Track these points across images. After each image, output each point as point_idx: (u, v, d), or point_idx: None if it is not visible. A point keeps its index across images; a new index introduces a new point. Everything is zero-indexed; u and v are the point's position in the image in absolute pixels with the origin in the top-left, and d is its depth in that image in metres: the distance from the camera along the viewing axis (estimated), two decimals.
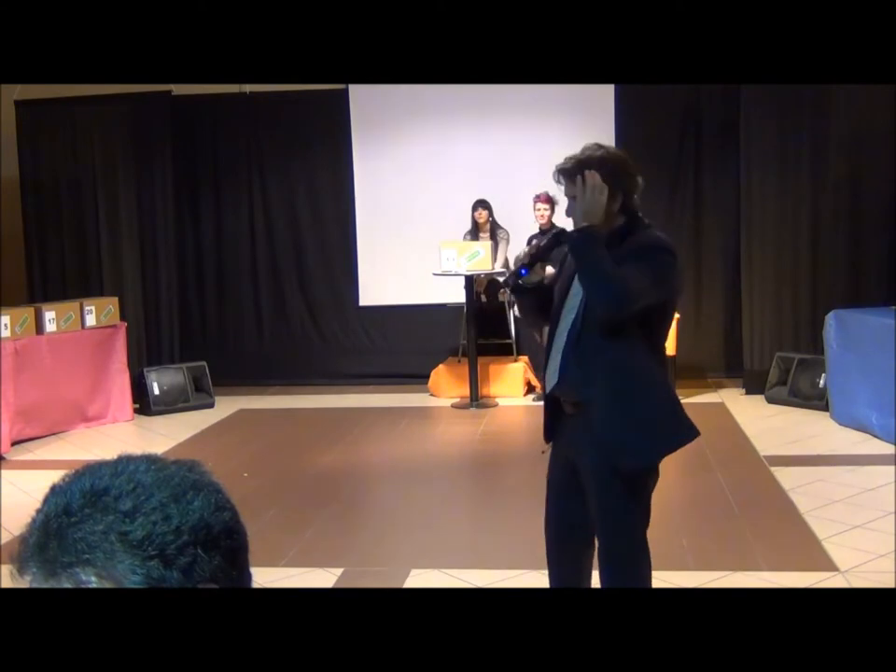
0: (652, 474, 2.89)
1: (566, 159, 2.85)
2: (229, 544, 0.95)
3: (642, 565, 2.92)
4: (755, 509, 4.88)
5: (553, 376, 2.88)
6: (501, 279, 8.06)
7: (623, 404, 2.80)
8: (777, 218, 7.57)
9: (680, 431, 2.87)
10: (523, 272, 2.87)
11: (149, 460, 0.99)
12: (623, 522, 2.87)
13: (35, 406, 6.88)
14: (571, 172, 2.79)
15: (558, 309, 2.91)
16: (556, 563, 3.08)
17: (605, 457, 2.80)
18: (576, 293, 2.85)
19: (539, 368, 7.80)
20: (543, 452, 3.09)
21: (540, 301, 2.97)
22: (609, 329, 2.76)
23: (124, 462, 0.97)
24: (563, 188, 2.87)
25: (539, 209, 7.35)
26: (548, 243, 2.91)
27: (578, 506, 2.93)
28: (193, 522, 0.92)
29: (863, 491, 5.08)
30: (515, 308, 7.73)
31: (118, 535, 0.89)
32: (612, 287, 2.68)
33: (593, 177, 2.73)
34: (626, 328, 2.76)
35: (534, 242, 2.94)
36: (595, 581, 3.08)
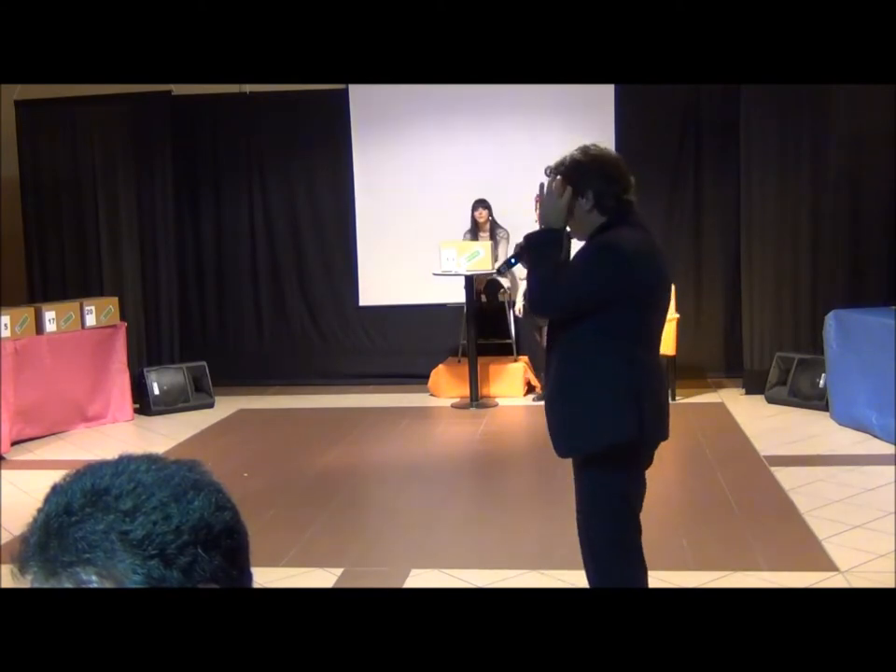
0: (602, 470, 2.88)
1: (550, 165, 3.02)
2: (229, 544, 0.95)
3: (613, 568, 2.96)
4: (755, 509, 4.88)
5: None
6: (502, 279, 8.08)
7: (563, 396, 2.92)
8: (777, 218, 7.57)
9: (613, 429, 2.85)
10: (512, 261, 3.08)
11: (150, 460, 0.99)
12: (588, 515, 3.00)
13: (35, 406, 6.88)
14: (547, 174, 2.97)
15: None
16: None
17: (563, 445, 2.95)
18: None
19: (539, 368, 7.81)
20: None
21: None
22: (566, 323, 2.90)
23: (125, 462, 0.97)
24: None
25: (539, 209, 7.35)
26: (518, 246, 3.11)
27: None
28: (193, 521, 0.92)
29: (863, 491, 5.08)
30: (515, 308, 7.74)
31: (118, 534, 0.89)
32: (534, 289, 2.89)
33: (552, 183, 2.89)
34: (580, 322, 2.86)
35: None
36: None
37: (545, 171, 3.01)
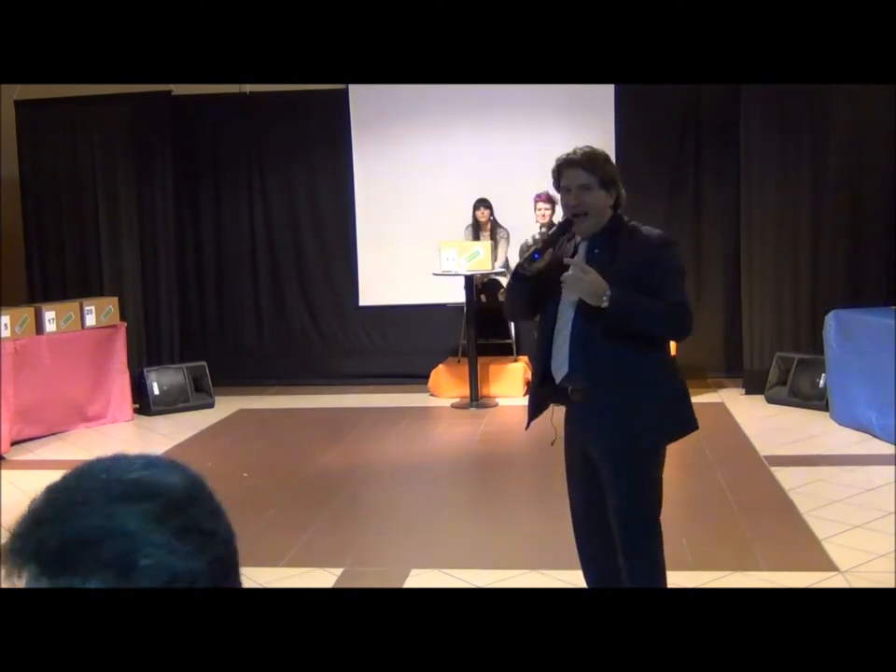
0: (659, 458, 3.00)
1: (573, 152, 2.98)
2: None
3: (654, 551, 3.02)
4: (755, 509, 4.88)
5: (562, 367, 2.98)
6: (502, 279, 8.08)
7: (632, 390, 2.91)
8: (777, 218, 7.57)
9: (683, 420, 3.01)
10: (536, 256, 2.95)
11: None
12: (634, 505, 2.97)
13: (35, 406, 6.88)
14: (580, 162, 2.93)
15: (555, 301, 3.00)
16: (588, 547, 3.16)
17: (615, 442, 2.92)
18: None
19: None
20: (552, 443, 3.17)
21: (536, 291, 3.03)
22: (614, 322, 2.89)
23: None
24: (563, 181, 2.98)
25: (539, 208, 7.36)
26: (557, 230, 3.02)
27: (599, 489, 3.03)
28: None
29: (863, 491, 5.08)
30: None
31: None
32: (670, 323, 2.91)
33: (583, 269, 2.85)
34: None
35: (542, 230, 3.03)
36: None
37: (559, 169, 2.98)
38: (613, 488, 2.97)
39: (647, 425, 2.93)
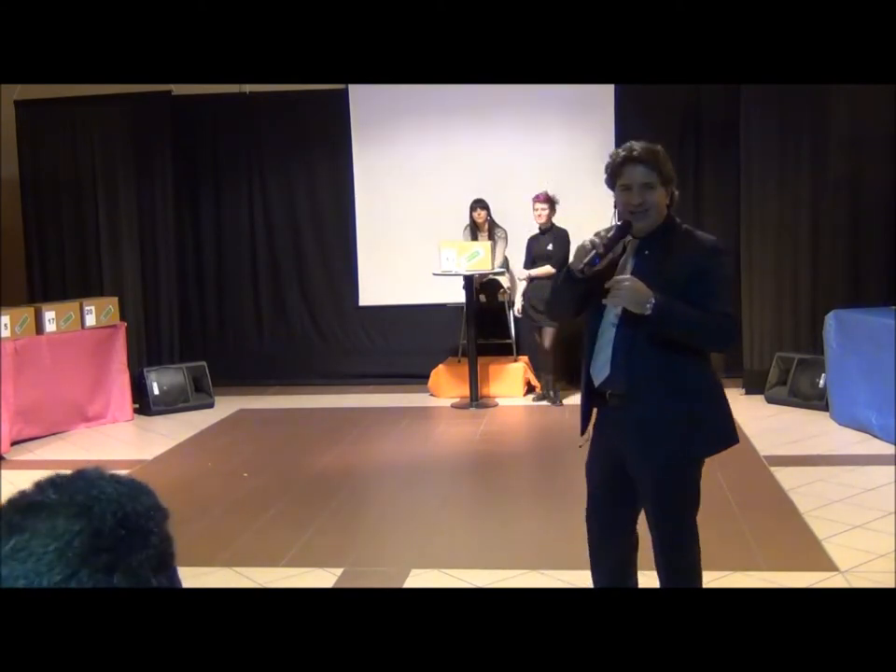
0: (699, 467, 2.96)
1: (630, 147, 2.85)
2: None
3: (694, 551, 2.99)
4: (755, 509, 4.88)
5: (602, 370, 2.90)
6: (501, 279, 8.08)
7: (678, 398, 2.85)
8: (777, 218, 7.57)
9: (728, 430, 2.97)
10: (596, 261, 2.82)
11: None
12: (674, 512, 2.93)
13: (35, 406, 6.88)
14: (643, 158, 2.81)
15: (602, 304, 2.88)
16: (602, 551, 3.12)
17: (660, 449, 2.86)
18: None
19: (539, 368, 7.81)
20: (580, 446, 3.10)
21: (585, 292, 2.92)
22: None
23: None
24: (623, 178, 2.85)
25: (537, 209, 7.37)
26: (616, 234, 2.87)
27: (625, 496, 2.99)
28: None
29: (863, 491, 5.08)
30: (515, 308, 7.73)
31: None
32: (714, 334, 2.83)
33: (625, 279, 2.76)
34: None
35: (600, 232, 2.90)
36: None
37: (614, 165, 2.86)
38: (652, 498, 2.92)
39: (690, 435, 2.87)
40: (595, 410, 3.06)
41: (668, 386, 2.84)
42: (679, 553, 2.97)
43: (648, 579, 3.26)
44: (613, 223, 2.95)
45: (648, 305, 2.70)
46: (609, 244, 2.82)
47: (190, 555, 3.88)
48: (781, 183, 7.54)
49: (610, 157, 2.89)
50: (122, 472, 1.02)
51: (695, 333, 2.82)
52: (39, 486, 0.96)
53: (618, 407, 2.92)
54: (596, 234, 2.86)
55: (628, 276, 2.77)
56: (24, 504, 0.94)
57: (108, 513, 0.93)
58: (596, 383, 2.93)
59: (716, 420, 2.94)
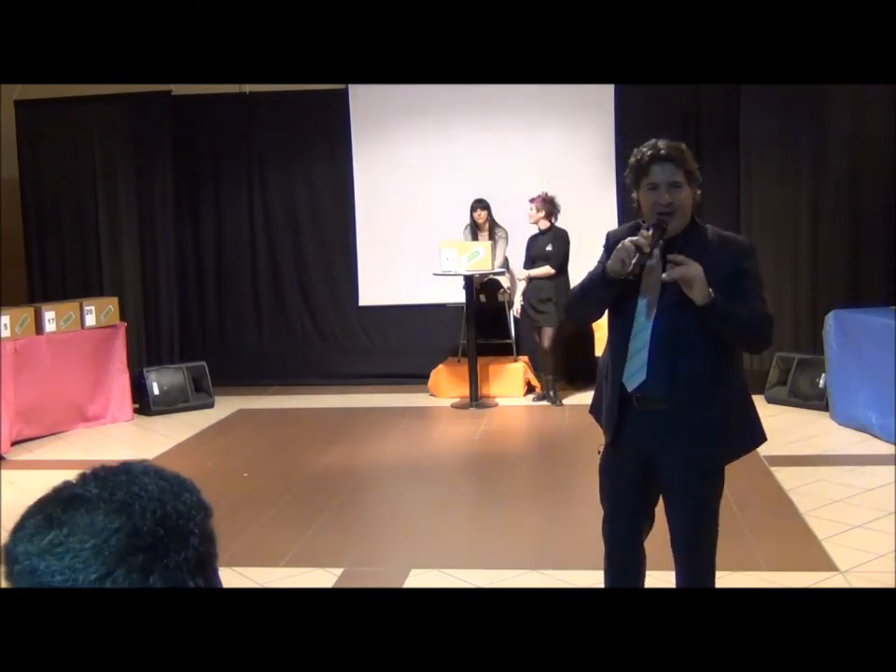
0: (723, 473, 2.98)
1: (656, 145, 2.78)
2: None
3: (713, 551, 3.04)
4: (755, 509, 4.88)
5: (637, 374, 2.83)
6: (501, 279, 8.08)
7: (717, 401, 2.84)
8: (777, 218, 7.57)
9: (759, 429, 3.02)
10: (646, 261, 2.73)
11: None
12: (707, 512, 2.96)
13: (35, 406, 6.88)
14: (671, 157, 2.75)
15: (632, 306, 2.84)
16: (621, 558, 3.11)
17: (700, 451, 2.85)
18: (652, 287, 2.83)
19: (538, 368, 7.81)
20: (599, 452, 3.07)
21: (617, 294, 2.85)
22: (699, 331, 2.77)
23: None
24: (650, 177, 2.79)
25: (531, 210, 7.39)
26: (657, 234, 2.77)
27: (645, 498, 3.00)
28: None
29: (863, 491, 5.08)
30: (516, 308, 7.73)
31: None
32: (755, 332, 2.83)
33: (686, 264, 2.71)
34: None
35: (641, 232, 2.82)
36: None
37: (639, 165, 2.79)
38: (689, 502, 2.91)
39: (729, 438, 2.90)
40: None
41: (710, 390, 2.81)
42: (707, 550, 3.01)
43: (650, 579, 3.25)
44: (622, 224, 2.94)
45: (709, 294, 2.67)
46: (654, 243, 2.74)
47: None
48: (781, 183, 7.54)
49: (635, 156, 2.81)
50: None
51: (742, 330, 2.80)
52: (82, 479, 0.96)
53: (651, 411, 2.85)
54: (640, 235, 2.75)
55: (692, 264, 2.68)
56: (66, 496, 0.93)
57: (148, 512, 0.92)
58: (630, 387, 2.85)
59: (751, 421, 2.99)
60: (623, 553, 3.11)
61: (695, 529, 2.97)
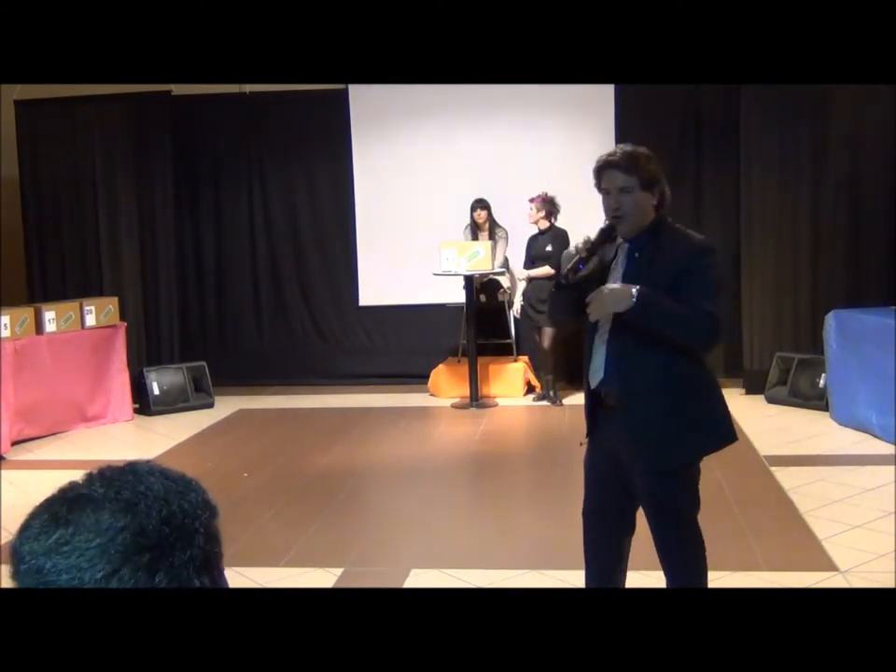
0: (696, 467, 2.96)
1: (612, 152, 2.90)
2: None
3: (698, 551, 3.00)
4: (755, 509, 4.88)
5: (597, 371, 2.93)
6: (501, 279, 8.08)
7: (671, 400, 2.87)
8: (777, 218, 7.57)
9: (723, 430, 2.98)
10: (581, 266, 2.87)
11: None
12: (673, 513, 2.94)
13: (35, 406, 6.88)
14: (619, 164, 2.85)
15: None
16: (597, 550, 3.13)
17: (653, 451, 2.87)
18: None
19: (538, 368, 7.81)
20: (581, 444, 3.12)
21: (578, 298, 2.94)
22: (654, 331, 2.84)
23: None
24: (603, 183, 2.90)
25: (530, 209, 7.39)
26: (600, 237, 2.92)
27: (620, 496, 3.00)
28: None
29: (863, 491, 5.08)
30: (516, 308, 7.73)
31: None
32: (694, 329, 2.81)
33: (602, 290, 2.81)
34: None
35: (586, 237, 2.93)
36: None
37: (600, 170, 2.90)
38: (651, 500, 2.93)
39: (686, 436, 2.89)
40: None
41: (662, 388, 2.86)
42: (683, 553, 2.98)
43: (650, 579, 3.26)
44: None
45: (631, 298, 2.74)
46: (592, 248, 2.88)
47: None
48: (781, 183, 7.54)
49: (596, 162, 2.94)
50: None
51: (676, 327, 2.82)
52: (89, 478, 0.96)
53: (615, 409, 2.93)
54: (584, 240, 2.91)
55: (604, 286, 2.82)
56: (72, 496, 0.94)
57: (154, 511, 0.92)
58: (593, 384, 2.97)
59: (712, 420, 2.96)
60: (595, 551, 3.14)
61: (663, 531, 2.95)
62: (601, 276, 2.89)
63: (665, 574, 3.01)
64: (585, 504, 3.13)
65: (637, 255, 2.90)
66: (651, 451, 2.87)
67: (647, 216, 2.90)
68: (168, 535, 0.92)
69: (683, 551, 2.98)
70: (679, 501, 2.93)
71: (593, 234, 2.93)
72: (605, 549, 3.11)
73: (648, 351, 2.83)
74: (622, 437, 2.92)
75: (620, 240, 2.94)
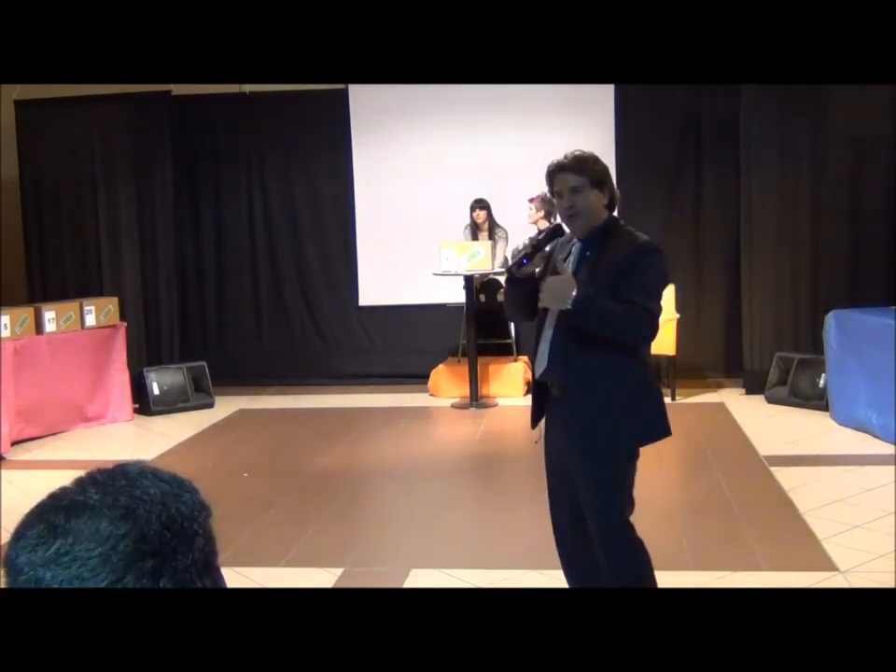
0: (630, 460, 3.03)
1: (563, 157, 3.05)
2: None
3: (628, 551, 3.03)
4: (755, 509, 4.88)
5: (541, 362, 3.08)
6: (501, 279, 8.08)
7: (602, 392, 2.97)
8: (777, 218, 7.57)
9: (653, 426, 3.04)
10: (524, 261, 3.03)
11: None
12: (601, 507, 3.00)
13: (35, 406, 6.88)
14: (569, 166, 3.01)
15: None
16: (568, 546, 3.19)
17: (584, 443, 2.98)
18: None
19: None
20: (536, 442, 3.22)
21: (530, 293, 3.09)
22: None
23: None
24: (555, 186, 3.06)
25: (530, 209, 7.40)
26: (547, 234, 3.11)
27: (572, 484, 3.08)
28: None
29: (863, 491, 5.08)
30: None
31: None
32: (629, 325, 2.91)
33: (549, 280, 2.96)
34: None
35: (533, 234, 3.08)
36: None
37: (550, 175, 3.05)
38: (580, 486, 3.03)
39: (614, 427, 2.97)
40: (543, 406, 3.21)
41: (597, 380, 2.97)
42: (612, 551, 3.02)
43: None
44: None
45: (569, 300, 2.86)
46: (538, 244, 3.05)
47: None
48: (781, 183, 7.54)
49: (547, 167, 3.09)
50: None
51: (611, 328, 2.92)
52: (80, 484, 0.94)
53: (558, 400, 3.06)
54: (531, 237, 3.09)
55: (553, 277, 2.97)
56: (66, 504, 0.92)
57: (153, 516, 0.91)
58: (537, 374, 3.12)
59: (642, 414, 3.02)
60: (563, 546, 3.21)
61: (592, 522, 3.02)
62: (556, 273, 3.04)
63: (602, 573, 3.05)
64: (550, 502, 3.22)
65: (588, 253, 3.03)
66: (584, 441, 2.98)
67: (599, 214, 3.04)
68: (170, 540, 0.91)
69: (611, 549, 3.02)
70: (608, 496, 3.00)
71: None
72: (577, 544, 3.15)
73: (588, 344, 2.94)
74: (560, 426, 3.06)
75: (574, 239, 3.09)
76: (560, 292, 2.88)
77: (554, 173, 3.04)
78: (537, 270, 3.14)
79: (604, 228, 3.04)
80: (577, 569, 3.19)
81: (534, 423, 3.20)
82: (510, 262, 3.26)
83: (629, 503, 3.03)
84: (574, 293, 2.84)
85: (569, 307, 2.86)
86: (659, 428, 3.04)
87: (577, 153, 3.05)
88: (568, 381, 3.00)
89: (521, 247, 3.08)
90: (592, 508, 3.01)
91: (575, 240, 3.09)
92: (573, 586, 3.22)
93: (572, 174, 3.00)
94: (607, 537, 3.01)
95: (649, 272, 2.95)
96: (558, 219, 3.21)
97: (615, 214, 3.12)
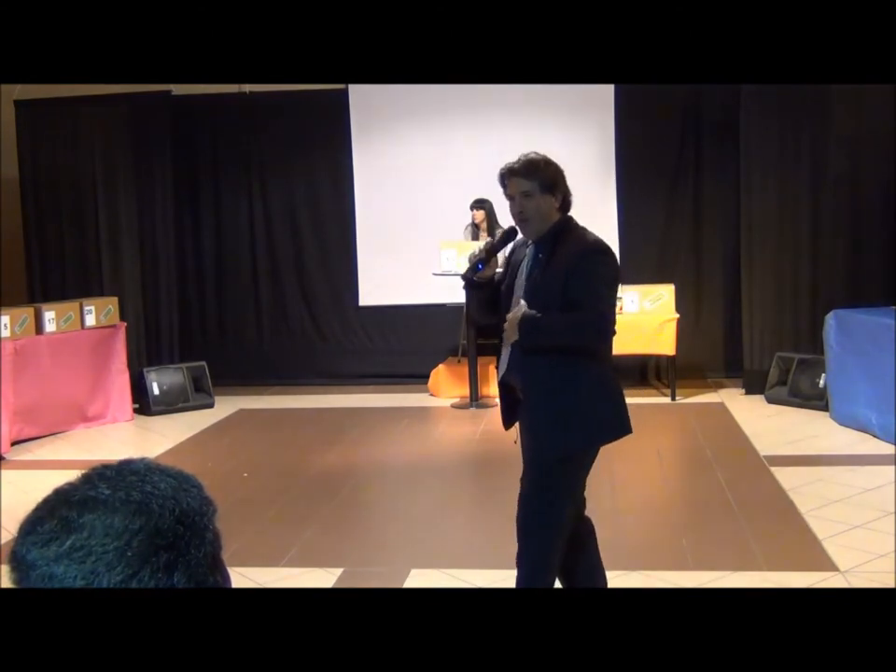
0: (569, 466, 3.04)
1: (515, 160, 3.08)
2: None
3: (537, 552, 3.05)
4: (755, 509, 4.88)
5: (504, 364, 3.13)
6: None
7: (548, 394, 3.00)
8: (777, 218, 7.57)
9: (611, 424, 3.06)
10: (479, 266, 3.09)
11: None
12: (529, 508, 3.05)
13: (35, 406, 6.88)
14: (520, 171, 3.03)
15: (508, 303, 3.11)
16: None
17: (535, 441, 3.03)
18: (521, 287, 3.09)
19: None
20: (515, 442, 3.22)
21: (491, 296, 3.16)
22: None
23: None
24: (507, 190, 3.08)
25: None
26: (501, 238, 3.19)
27: None
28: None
29: (863, 491, 5.08)
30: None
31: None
32: (580, 334, 2.96)
33: (516, 314, 2.98)
34: None
35: (488, 239, 3.11)
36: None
37: (502, 178, 3.07)
38: (525, 484, 3.09)
39: (564, 432, 2.98)
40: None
41: (552, 383, 2.99)
42: (526, 547, 3.05)
43: (651, 579, 3.26)
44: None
45: (516, 335, 2.93)
46: (493, 249, 3.12)
47: None
48: (781, 182, 7.54)
49: (499, 171, 3.12)
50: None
51: (563, 340, 2.97)
52: (89, 480, 0.94)
53: (520, 402, 3.11)
54: (486, 241, 3.14)
55: (508, 314, 3.00)
56: (78, 499, 0.92)
57: (167, 510, 0.91)
58: (499, 376, 3.17)
59: (597, 414, 3.03)
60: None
61: (521, 517, 3.06)
62: (514, 274, 3.09)
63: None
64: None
65: (540, 255, 3.06)
66: (534, 442, 3.02)
67: (550, 218, 3.06)
68: (183, 534, 0.91)
69: (525, 539, 3.05)
70: (539, 492, 3.02)
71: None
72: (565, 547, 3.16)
73: (543, 350, 2.98)
74: (524, 425, 3.10)
75: (530, 242, 3.13)
76: (510, 332, 2.95)
77: (506, 176, 3.06)
78: (497, 271, 3.20)
79: (556, 229, 3.06)
80: (562, 568, 3.18)
81: (505, 424, 3.24)
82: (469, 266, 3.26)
83: (565, 506, 3.04)
84: (515, 336, 2.91)
85: (518, 338, 2.92)
86: (617, 427, 3.05)
87: (530, 156, 3.07)
88: (524, 384, 3.04)
89: (476, 252, 3.12)
90: (522, 503, 3.07)
91: (530, 242, 3.13)
92: (564, 586, 3.22)
93: (523, 178, 3.02)
94: (524, 535, 3.05)
95: (596, 272, 2.97)
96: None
97: (570, 214, 3.14)
